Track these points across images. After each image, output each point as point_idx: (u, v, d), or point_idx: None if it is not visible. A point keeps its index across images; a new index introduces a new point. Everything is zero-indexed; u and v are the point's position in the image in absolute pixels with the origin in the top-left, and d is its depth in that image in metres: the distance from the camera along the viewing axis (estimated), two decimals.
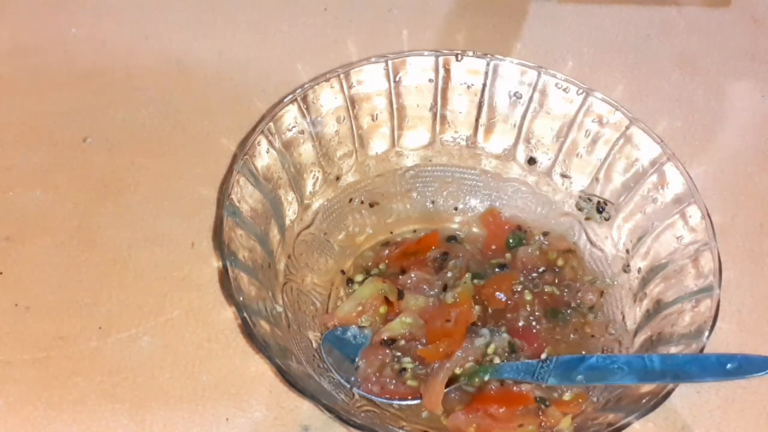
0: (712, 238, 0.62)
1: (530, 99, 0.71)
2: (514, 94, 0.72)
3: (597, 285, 0.69)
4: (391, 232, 0.73)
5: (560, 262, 0.70)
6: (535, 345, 0.65)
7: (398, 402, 0.62)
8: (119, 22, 0.89)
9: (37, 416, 0.64)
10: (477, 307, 0.66)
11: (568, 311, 0.68)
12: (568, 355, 0.63)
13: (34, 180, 0.76)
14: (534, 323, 0.66)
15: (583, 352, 0.66)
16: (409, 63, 0.71)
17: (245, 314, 0.57)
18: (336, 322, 0.66)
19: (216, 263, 0.71)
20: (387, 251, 0.70)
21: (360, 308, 0.66)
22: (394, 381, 0.63)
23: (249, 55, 0.87)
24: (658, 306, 0.64)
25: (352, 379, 0.63)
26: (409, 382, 0.63)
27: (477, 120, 0.73)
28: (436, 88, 0.72)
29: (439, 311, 0.65)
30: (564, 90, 0.70)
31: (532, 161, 0.73)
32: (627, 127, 0.68)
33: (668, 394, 0.56)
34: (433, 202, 0.75)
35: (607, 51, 0.89)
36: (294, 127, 0.68)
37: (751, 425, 0.66)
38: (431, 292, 0.67)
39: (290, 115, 0.68)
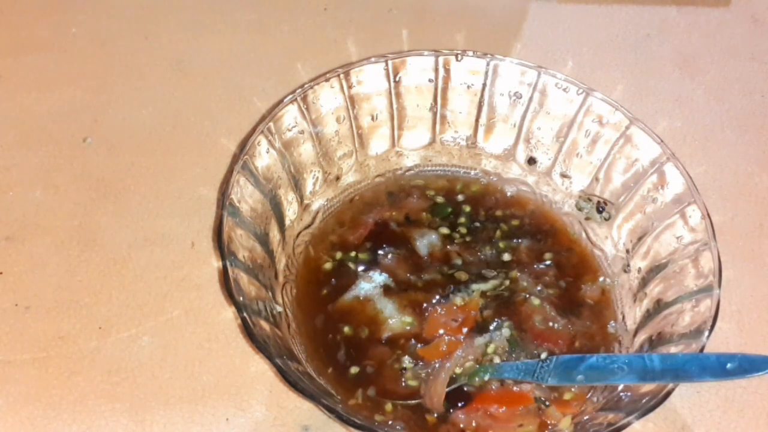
0: (712, 238, 0.62)
1: (530, 99, 0.71)
2: (514, 94, 0.72)
3: (597, 285, 0.69)
4: None
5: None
6: (560, 342, 0.65)
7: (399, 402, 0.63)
8: (119, 22, 0.89)
9: (37, 416, 0.64)
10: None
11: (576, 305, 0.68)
12: (568, 355, 0.63)
13: (34, 180, 0.76)
14: (551, 324, 0.66)
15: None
16: (409, 63, 0.71)
17: (245, 314, 0.57)
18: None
19: (216, 263, 0.71)
20: None
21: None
22: (394, 381, 0.63)
23: (249, 55, 0.87)
24: (658, 306, 0.64)
25: None
26: (410, 382, 0.63)
27: (477, 120, 0.74)
28: (436, 88, 0.72)
29: (446, 309, 0.65)
30: (564, 90, 0.70)
31: (532, 161, 0.73)
32: (627, 127, 0.68)
33: (668, 394, 0.56)
34: None
35: (607, 51, 0.89)
36: (294, 127, 0.68)
37: (751, 425, 0.66)
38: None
39: (290, 115, 0.68)
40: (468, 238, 0.71)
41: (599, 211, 0.71)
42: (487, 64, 0.71)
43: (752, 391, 0.67)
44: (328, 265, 0.69)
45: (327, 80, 0.69)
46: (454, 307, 0.66)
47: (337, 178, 0.72)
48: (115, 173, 0.77)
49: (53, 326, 0.68)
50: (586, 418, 0.61)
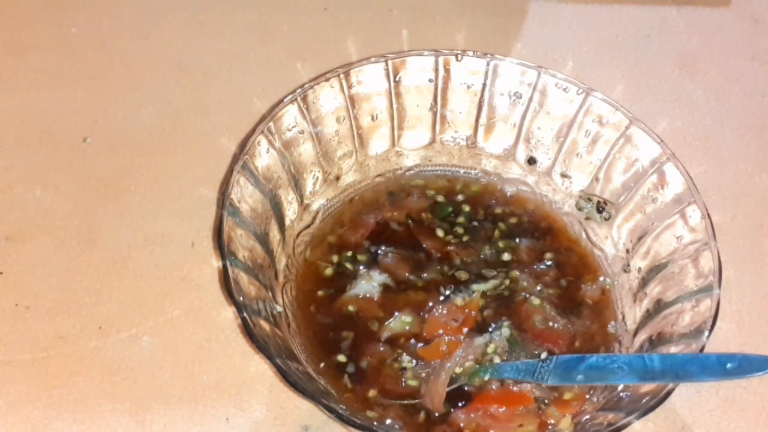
0: (712, 238, 0.62)
1: (530, 99, 0.71)
2: (514, 94, 0.72)
3: (597, 285, 0.69)
4: None
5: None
6: (560, 342, 0.65)
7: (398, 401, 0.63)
8: (119, 22, 0.89)
9: (37, 416, 0.64)
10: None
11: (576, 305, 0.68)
12: (568, 355, 0.63)
13: (34, 180, 0.76)
14: (551, 324, 0.66)
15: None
16: (409, 63, 0.71)
17: (245, 314, 0.57)
18: None
19: (216, 263, 0.71)
20: None
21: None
22: (394, 380, 0.63)
23: (249, 55, 0.87)
24: (658, 306, 0.64)
25: None
26: (410, 382, 0.63)
27: (477, 120, 0.74)
28: (436, 88, 0.72)
29: (446, 309, 0.65)
30: (564, 90, 0.70)
31: (532, 161, 0.73)
32: (627, 127, 0.69)
33: (668, 394, 0.56)
34: None
35: (607, 51, 0.89)
36: (294, 127, 0.68)
37: (751, 425, 0.66)
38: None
39: (290, 115, 0.68)
40: (468, 238, 0.71)
41: (599, 211, 0.71)
42: (487, 64, 0.71)
43: (752, 391, 0.67)
44: (328, 265, 0.69)
45: (327, 80, 0.69)
46: (454, 307, 0.66)
47: (337, 178, 0.73)
48: (115, 173, 0.77)
49: (53, 326, 0.68)
50: (586, 418, 0.61)
